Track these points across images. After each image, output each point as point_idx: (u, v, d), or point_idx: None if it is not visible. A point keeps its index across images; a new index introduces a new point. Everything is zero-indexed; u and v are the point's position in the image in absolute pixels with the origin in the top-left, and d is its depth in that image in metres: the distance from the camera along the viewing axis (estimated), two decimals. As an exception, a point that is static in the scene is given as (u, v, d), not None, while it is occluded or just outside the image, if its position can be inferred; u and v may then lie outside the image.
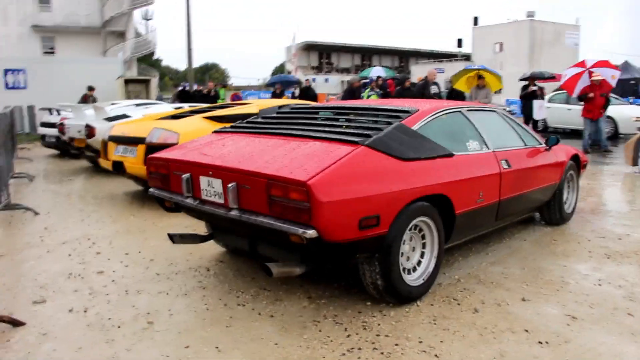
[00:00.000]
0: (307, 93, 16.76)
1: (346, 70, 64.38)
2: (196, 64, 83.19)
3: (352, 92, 13.80)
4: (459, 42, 49.18)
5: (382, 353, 2.91)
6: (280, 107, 6.22)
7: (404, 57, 67.95)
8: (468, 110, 4.53)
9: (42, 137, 12.61)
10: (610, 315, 3.44)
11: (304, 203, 2.92)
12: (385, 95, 15.80)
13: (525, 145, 4.96)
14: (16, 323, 3.30)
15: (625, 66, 32.84)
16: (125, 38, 34.48)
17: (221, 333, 3.21)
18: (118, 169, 6.89)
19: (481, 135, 4.35)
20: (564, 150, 5.65)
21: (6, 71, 20.17)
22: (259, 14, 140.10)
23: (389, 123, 3.69)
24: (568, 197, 5.89)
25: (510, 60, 38.72)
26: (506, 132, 4.86)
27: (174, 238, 4.23)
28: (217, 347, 3.02)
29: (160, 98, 23.03)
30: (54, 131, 11.50)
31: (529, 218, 5.81)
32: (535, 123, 13.86)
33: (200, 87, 21.32)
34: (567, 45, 41.47)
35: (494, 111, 5.06)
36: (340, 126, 3.86)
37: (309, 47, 64.55)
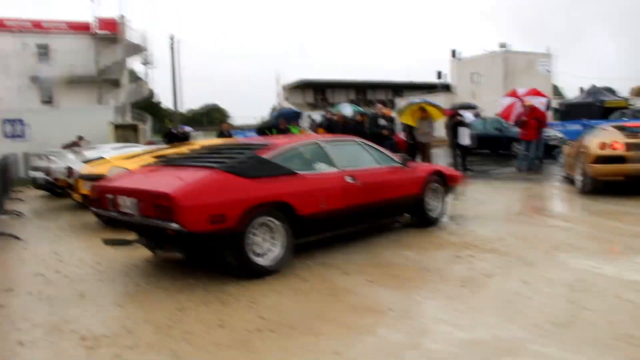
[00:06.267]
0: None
1: (341, 106, 65.81)
2: (197, 105, 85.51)
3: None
4: (439, 74, 51.47)
5: (223, 303, 4.51)
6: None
7: (397, 90, 69.93)
8: (326, 142, 6.19)
9: (33, 180, 14.29)
10: (395, 277, 5.06)
11: (170, 207, 4.54)
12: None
13: (380, 165, 6.57)
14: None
15: (593, 90, 34.54)
16: (120, 86, 36.60)
17: (126, 297, 4.85)
18: (86, 201, 8.52)
19: (331, 159, 5.97)
20: (423, 168, 7.26)
21: (5, 121, 22.04)
22: (255, 53, 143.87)
23: (246, 154, 5.34)
24: (436, 205, 7.42)
25: (486, 89, 40.61)
26: (360, 156, 6.48)
27: (107, 242, 5.83)
28: (120, 305, 4.63)
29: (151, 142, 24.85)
30: (42, 174, 13.18)
31: (410, 222, 7.33)
32: (462, 147, 15.43)
33: (185, 130, 23.02)
34: (540, 73, 43.46)
35: (354, 141, 6.71)
36: (217, 157, 5.51)
37: (304, 85, 66.54)
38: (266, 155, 5.45)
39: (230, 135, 19.61)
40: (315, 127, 19.53)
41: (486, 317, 4.01)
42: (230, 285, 4.97)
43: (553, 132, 18.50)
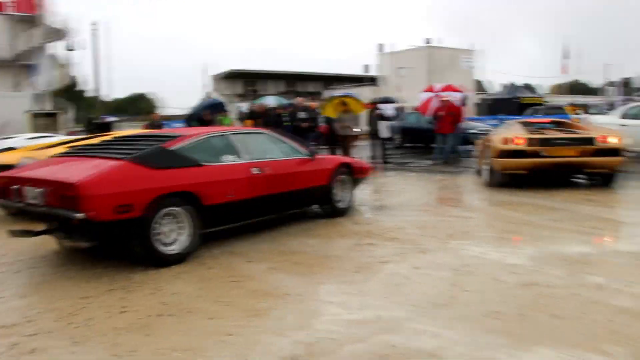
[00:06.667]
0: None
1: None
2: (125, 93, 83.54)
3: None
4: (366, 68, 52.58)
5: (127, 290, 4.67)
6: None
7: (327, 81, 70.44)
8: (234, 133, 6.40)
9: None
10: (296, 264, 5.36)
11: (75, 196, 4.65)
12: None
13: (288, 157, 6.83)
14: None
15: (512, 86, 36.34)
16: (39, 71, 35.13)
17: (31, 288, 4.98)
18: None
19: (238, 151, 6.19)
20: (331, 160, 7.59)
21: None
22: (186, 42, 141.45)
23: (153, 146, 5.48)
24: (344, 196, 7.75)
25: (410, 83, 41.70)
26: (267, 148, 6.72)
27: (13, 233, 5.81)
28: (23, 296, 4.71)
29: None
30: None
31: (319, 213, 7.65)
32: (382, 140, 16.01)
33: (108, 120, 22.61)
34: (463, 68, 45.09)
35: (262, 133, 6.95)
36: (125, 148, 5.62)
37: (234, 75, 65.88)
38: (174, 147, 5.61)
39: (160, 125, 19.35)
40: (243, 118, 19.57)
41: (374, 299, 4.35)
42: (137, 274, 5.11)
43: (484, 127, 19.25)
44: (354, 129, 15.26)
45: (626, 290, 4.43)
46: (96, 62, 25.91)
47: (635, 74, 36.00)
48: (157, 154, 5.40)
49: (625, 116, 14.12)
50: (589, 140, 9.53)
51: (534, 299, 4.29)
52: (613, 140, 9.49)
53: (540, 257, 5.41)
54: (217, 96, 33.24)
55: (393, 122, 21.12)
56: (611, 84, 40.79)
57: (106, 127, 19.60)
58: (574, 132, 10.04)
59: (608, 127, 13.93)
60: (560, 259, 5.36)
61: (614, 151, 9.47)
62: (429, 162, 15.48)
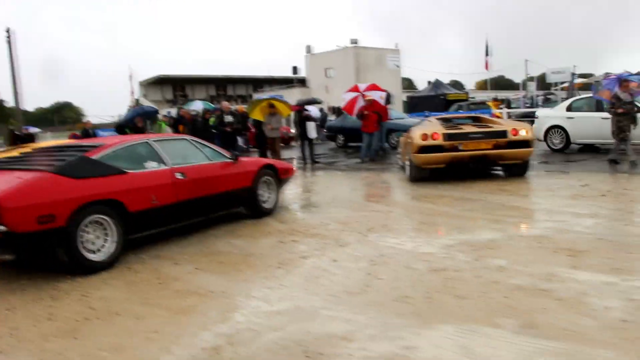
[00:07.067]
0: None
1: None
2: (47, 103, 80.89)
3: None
4: (294, 70, 53.04)
5: (54, 298, 4.76)
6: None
7: (257, 84, 70.43)
8: (155, 140, 6.54)
9: None
10: (221, 263, 5.58)
11: (-5, 209, 4.71)
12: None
13: (210, 161, 7.02)
14: None
15: (437, 83, 37.46)
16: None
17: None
18: None
19: (161, 157, 6.34)
20: (254, 162, 7.83)
21: None
22: (112, 49, 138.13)
23: (75, 155, 5.57)
24: (269, 196, 8.00)
25: (339, 83, 42.40)
26: (190, 153, 6.91)
27: None
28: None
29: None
30: None
31: (245, 214, 7.86)
32: (310, 140, 16.40)
33: (29, 131, 22.04)
34: (389, 67, 46.17)
35: (184, 139, 7.13)
36: (46, 159, 5.69)
37: (162, 81, 64.83)
38: (95, 156, 5.71)
39: (94, 134, 18.95)
40: (174, 124, 19.45)
41: (293, 292, 4.63)
42: (63, 282, 5.19)
43: (408, 123, 19.77)
44: (292, 131, 15.56)
45: (524, 271, 4.86)
46: (13, 70, 25.09)
47: (548, 69, 37.73)
48: (78, 164, 5.50)
49: (570, 109, 14.86)
50: (502, 134, 10.11)
51: (441, 283, 4.67)
52: (523, 133, 10.11)
53: (452, 245, 5.81)
54: (147, 103, 32.66)
55: (333, 122, 21.63)
56: (531, 79, 42.60)
57: (29, 139, 19.08)
58: (489, 127, 10.59)
59: (555, 119, 14.87)
60: (470, 245, 5.78)
61: (524, 143, 10.11)
62: (357, 160, 15.91)
